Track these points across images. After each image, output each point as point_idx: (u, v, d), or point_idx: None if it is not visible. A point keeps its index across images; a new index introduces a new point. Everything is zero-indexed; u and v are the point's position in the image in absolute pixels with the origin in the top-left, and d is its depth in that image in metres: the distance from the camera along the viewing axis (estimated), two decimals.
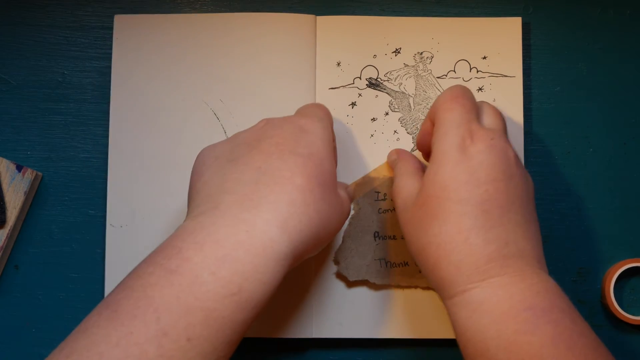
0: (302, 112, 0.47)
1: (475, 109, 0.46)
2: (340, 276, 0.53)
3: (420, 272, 0.52)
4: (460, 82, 0.54)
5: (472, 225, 0.41)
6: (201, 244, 0.37)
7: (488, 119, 0.46)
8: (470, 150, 0.43)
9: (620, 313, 0.52)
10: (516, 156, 0.44)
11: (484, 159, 0.42)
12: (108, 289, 0.52)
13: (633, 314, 0.53)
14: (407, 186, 0.47)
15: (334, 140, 0.48)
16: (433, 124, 0.46)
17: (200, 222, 0.38)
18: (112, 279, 0.52)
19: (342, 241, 0.53)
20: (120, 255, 0.53)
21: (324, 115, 0.46)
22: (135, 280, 0.36)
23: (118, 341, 0.33)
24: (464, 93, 0.46)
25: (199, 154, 0.44)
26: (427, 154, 0.49)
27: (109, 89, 0.54)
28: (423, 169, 0.49)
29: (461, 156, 0.43)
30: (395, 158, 0.51)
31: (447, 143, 0.43)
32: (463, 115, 0.44)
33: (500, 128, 0.46)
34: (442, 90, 0.54)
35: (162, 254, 0.37)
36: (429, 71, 0.54)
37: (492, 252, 0.41)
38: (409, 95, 0.54)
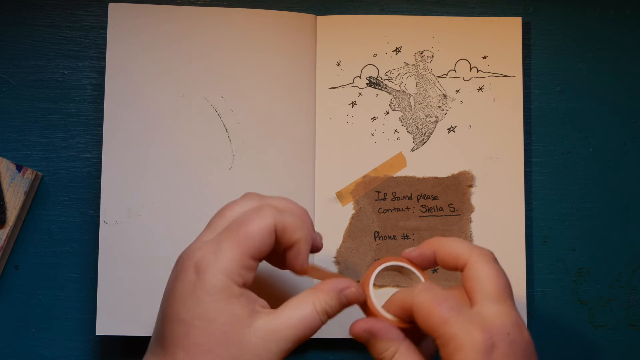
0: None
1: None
2: None
3: None
4: (460, 81, 0.54)
5: None
6: None
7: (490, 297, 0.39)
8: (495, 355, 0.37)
9: (378, 312, 0.43)
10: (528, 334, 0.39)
11: None
12: (101, 286, 0.51)
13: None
14: None
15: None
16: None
17: None
18: (105, 275, 0.51)
19: (342, 241, 0.53)
20: (114, 253, 0.51)
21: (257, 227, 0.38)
22: None
23: None
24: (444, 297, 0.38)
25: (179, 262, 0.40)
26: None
27: None
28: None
29: None
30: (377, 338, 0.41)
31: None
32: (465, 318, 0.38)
33: (506, 299, 0.39)
34: (443, 90, 0.54)
35: None
36: (430, 70, 0.54)
37: None
38: (410, 94, 0.54)
